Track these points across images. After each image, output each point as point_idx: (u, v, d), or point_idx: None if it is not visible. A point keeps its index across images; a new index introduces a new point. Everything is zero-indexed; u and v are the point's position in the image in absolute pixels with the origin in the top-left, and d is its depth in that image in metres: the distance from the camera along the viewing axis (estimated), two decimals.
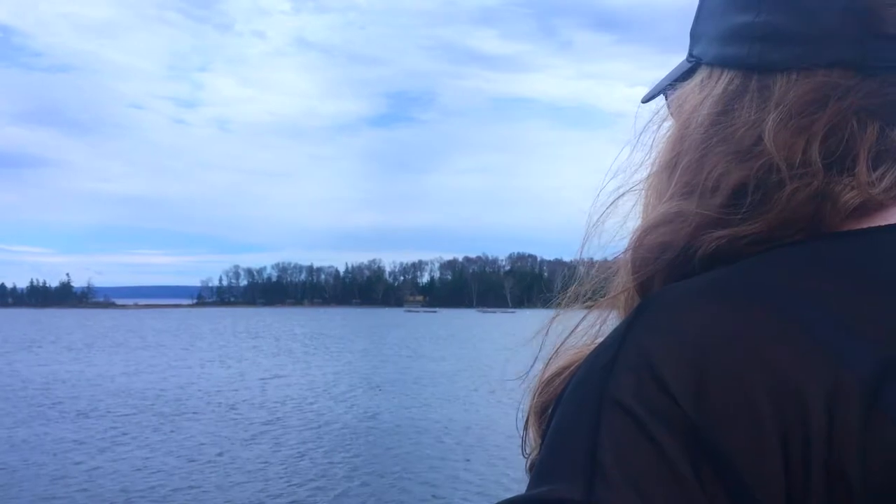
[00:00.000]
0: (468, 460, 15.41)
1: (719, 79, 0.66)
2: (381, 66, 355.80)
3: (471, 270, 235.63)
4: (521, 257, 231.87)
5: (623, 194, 0.71)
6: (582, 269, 0.73)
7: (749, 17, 0.64)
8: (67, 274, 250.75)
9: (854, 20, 0.60)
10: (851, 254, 0.57)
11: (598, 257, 0.72)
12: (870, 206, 0.59)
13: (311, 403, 23.75)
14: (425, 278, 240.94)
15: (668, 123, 0.71)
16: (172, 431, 18.83)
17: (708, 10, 0.69)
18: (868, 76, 0.61)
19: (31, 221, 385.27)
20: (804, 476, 0.48)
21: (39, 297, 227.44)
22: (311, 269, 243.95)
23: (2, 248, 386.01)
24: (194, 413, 21.77)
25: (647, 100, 0.76)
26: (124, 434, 18.46)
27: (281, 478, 14.13)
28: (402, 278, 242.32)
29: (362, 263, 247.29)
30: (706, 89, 0.66)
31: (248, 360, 41.16)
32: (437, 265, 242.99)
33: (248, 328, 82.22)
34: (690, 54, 0.71)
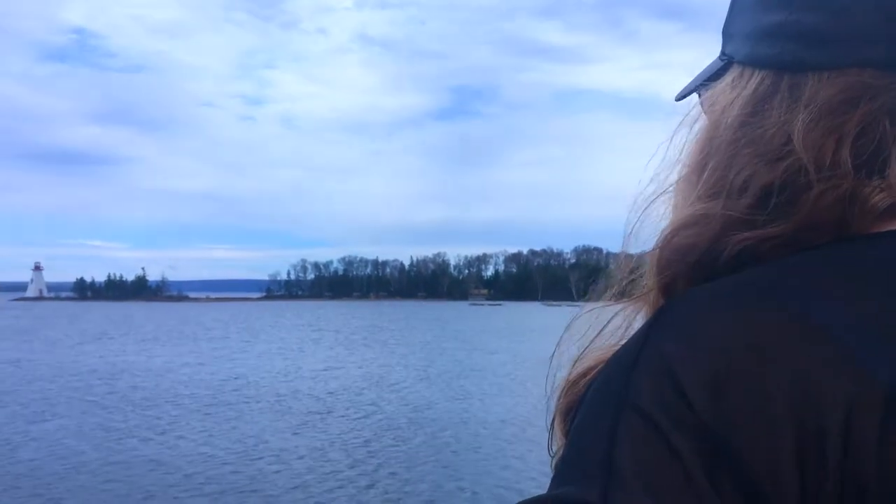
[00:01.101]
0: (507, 453, 15.48)
1: (750, 78, 0.65)
2: (444, 60, 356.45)
3: (535, 264, 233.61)
4: (586, 250, 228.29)
5: (658, 196, 0.70)
6: (614, 266, 0.72)
7: (781, 15, 0.62)
8: (143, 268, 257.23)
9: (885, 18, 0.59)
10: (878, 257, 0.56)
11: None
12: None
13: (363, 394, 24.11)
14: (490, 272, 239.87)
15: (700, 123, 0.70)
16: (230, 420, 19.32)
17: (740, 7, 0.68)
18: None
19: (108, 217, 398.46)
20: (820, 481, 0.47)
21: (116, 290, 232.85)
22: (376, 263, 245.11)
23: (81, 243, 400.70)
24: (251, 402, 22.29)
25: (680, 98, 0.75)
26: (182, 422, 19.03)
27: (329, 465, 14.41)
28: (466, 272, 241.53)
29: (427, 257, 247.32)
30: (737, 89, 0.65)
31: (307, 351, 41.89)
32: (501, 258, 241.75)
33: (311, 321, 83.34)
34: (723, 52, 0.69)
